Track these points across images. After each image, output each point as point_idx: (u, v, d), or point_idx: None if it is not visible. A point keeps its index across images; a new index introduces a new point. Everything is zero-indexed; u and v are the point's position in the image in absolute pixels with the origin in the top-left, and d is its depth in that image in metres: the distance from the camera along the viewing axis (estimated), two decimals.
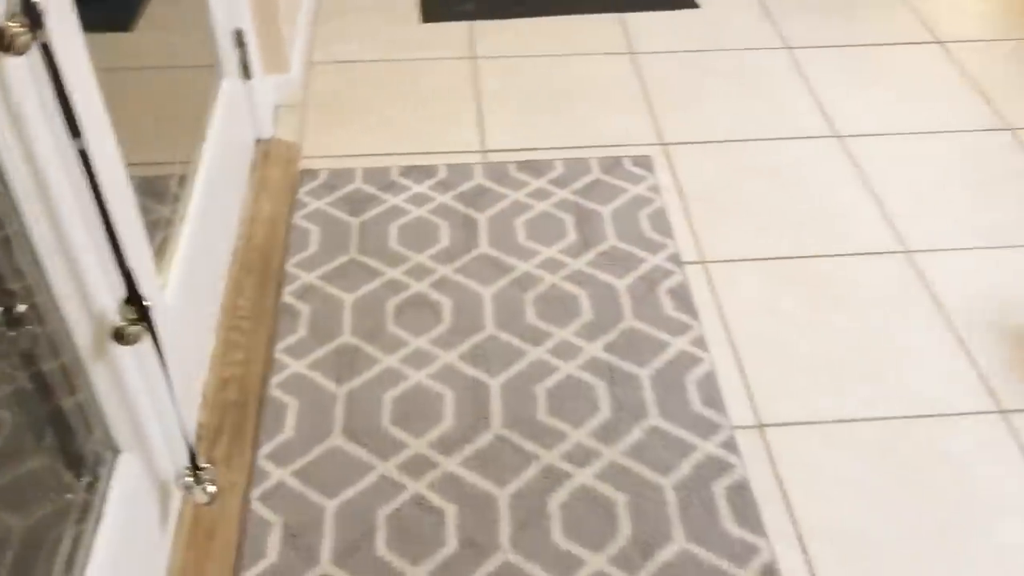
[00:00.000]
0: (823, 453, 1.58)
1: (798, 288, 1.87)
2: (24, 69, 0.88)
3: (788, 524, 1.47)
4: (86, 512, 1.10)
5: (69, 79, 0.95)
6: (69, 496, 1.09)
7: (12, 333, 0.95)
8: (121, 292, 1.06)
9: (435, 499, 1.45)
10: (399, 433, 1.54)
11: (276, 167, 2.01)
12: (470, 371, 1.64)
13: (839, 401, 1.66)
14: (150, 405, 1.16)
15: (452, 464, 1.50)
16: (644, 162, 2.12)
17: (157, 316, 1.15)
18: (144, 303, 1.05)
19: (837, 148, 2.23)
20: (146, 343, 1.13)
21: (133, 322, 1.03)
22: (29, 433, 1.03)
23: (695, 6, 2.70)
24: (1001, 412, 1.65)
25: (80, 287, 0.99)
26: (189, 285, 1.48)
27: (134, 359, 1.11)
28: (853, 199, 2.09)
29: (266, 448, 1.51)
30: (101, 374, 1.05)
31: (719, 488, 1.49)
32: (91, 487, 1.11)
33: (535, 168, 2.08)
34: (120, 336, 1.02)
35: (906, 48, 2.60)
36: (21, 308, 0.98)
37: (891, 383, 1.69)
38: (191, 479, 1.25)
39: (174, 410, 1.21)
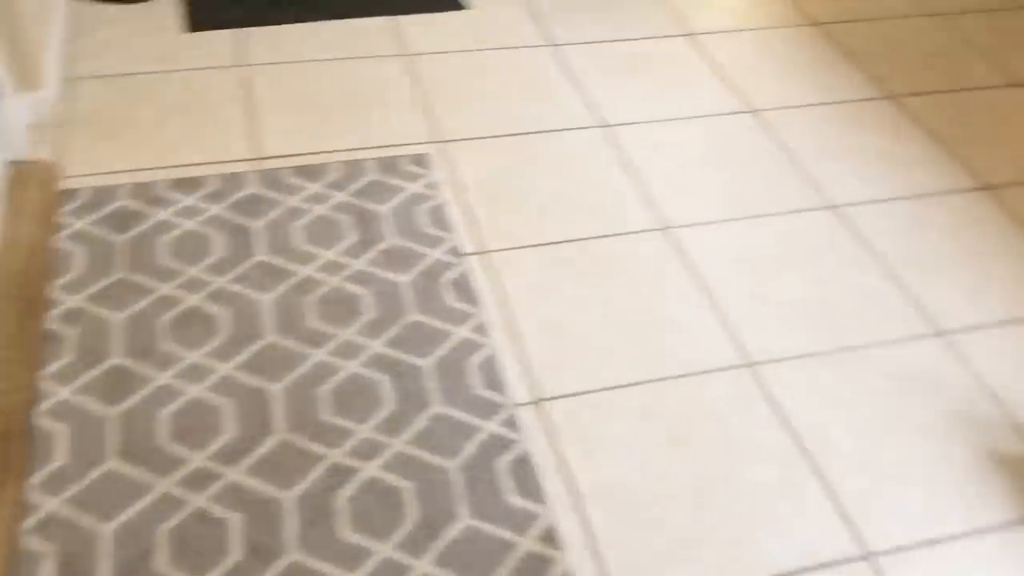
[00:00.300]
0: (598, 420, 1.68)
1: (573, 269, 1.98)
2: None
3: (566, 490, 1.56)
4: None
5: None
6: None
7: None
8: None
9: (218, 510, 1.44)
10: (178, 449, 1.51)
11: (33, 189, 1.91)
12: (250, 380, 1.64)
13: (611, 370, 1.77)
14: None
15: (235, 474, 1.49)
16: (421, 160, 2.18)
17: None
18: None
19: (604, 137, 2.37)
20: None
21: None
22: None
23: (462, 8, 2.78)
24: (749, 365, 1.82)
25: None
26: None
27: None
28: (620, 184, 2.23)
29: (36, 478, 1.44)
30: None
31: (502, 464, 1.56)
32: None
33: (311, 173, 2.09)
34: None
35: (662, 41, 2.79)
36: None
37: (656, 349, 1.82)
38: None
39: None
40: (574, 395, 1.72)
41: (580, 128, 2.39)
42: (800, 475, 1.63)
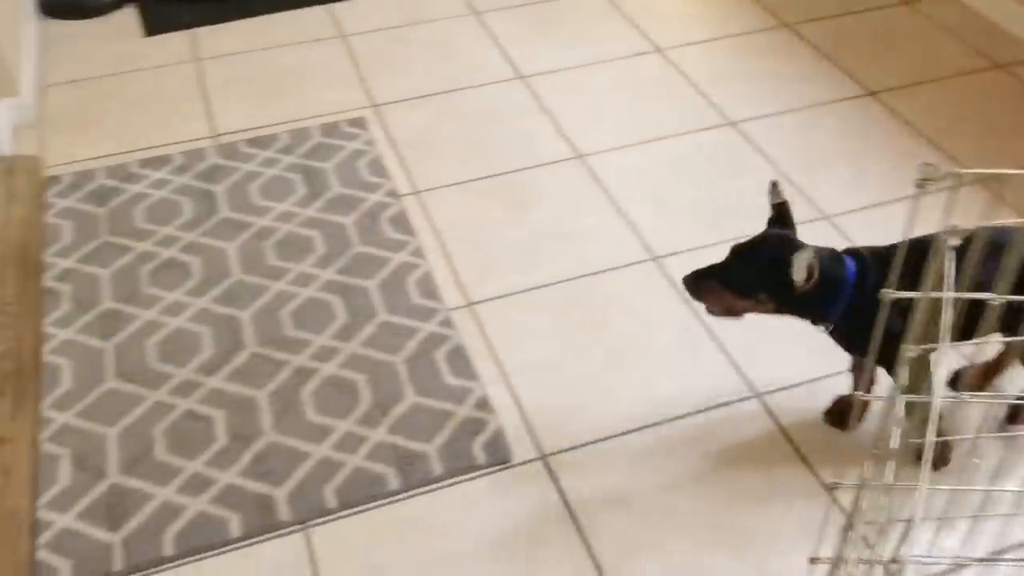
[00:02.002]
0: (520, 315, 1.97)
1: (495, 198, 2.27)
2: None
3: (495, 369, 1.85)
4: None
5: None
6: None
7: None
8: None
9: (204, 410, 1.73)
10: (166, 367, 1.80)
11: (21, 178, 2.20)
12: (223, 310, 1.92)
13: (531, 275, 2.06)
14: None
15: (216, 382, 1.78)
16: (359, 122, 2.46)
17: None
18: None
19: (521, 87, 2.66)
20: None
21: None
22: None
23: None
24: (654, 259, 2.10)
25: None
26: None
27: None
28: (536, 124, 2.51)
29: (48, 400, 1.73)
30: None
31: (440, 355, 1.85)
32: None
33: (263, 142, 2.38)
34: None
35: None
36: None
37: (571, 254, 2.11)
38: None
39: None
40: (500, 297, 2.01)
41: (498, 82, 2.67)
42: (698, 339, 1.92)
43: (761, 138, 2.48)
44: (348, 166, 2.31)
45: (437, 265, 2.07)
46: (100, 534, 1.52)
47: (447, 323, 1.92)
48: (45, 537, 1.52)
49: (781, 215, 1.54)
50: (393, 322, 1.91)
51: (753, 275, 1.49)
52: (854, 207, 2.25)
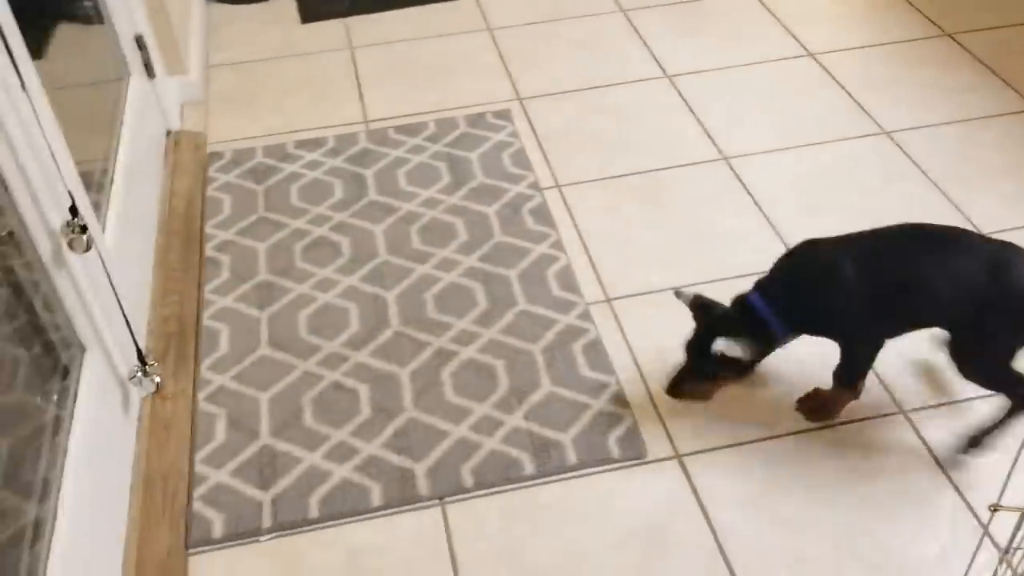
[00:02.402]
0: (659, 313, 1.96)
1: (637, 196, 2.26)
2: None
3: (632, 365, 1.84)
4: (63, 397, 1.41)
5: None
6: (49, 386, 1.40)
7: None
8: (66, 212, 1.38)
9: (349, 382, 1.79)
10: (315, 339, 1.88)
11: (187, 153, 2.33)
12: (369, 289, 1.99)
13: (671, 274, 2.05)
14: (103, 308, 1.48)
15: (361, 356, 1.84)
16: (504, 114, 2.50)
17: (96, 237, 1.46)
18: (83, 223, 1.37)
19: (667, 86, 2.64)
20: (93, 257, 1.45)
21: (81, 230, 1.35)
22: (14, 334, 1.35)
23: None
24: None
25: (37, 208, 1.31)
26: (122, 240, 1.79)
27: (85, 267, 1.43)
28: (681, 123, 2.49)
29: (206, 362, 1.83)
30: (62, 279, 1.37)
31: (577, 347, 1.86)
32: (65, 377, 1.43)
33: (411, 130, 2.44)
34: (70, 245, 1.34)
35: None
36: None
37: (714, 256, 2.09)
38: (140, 373, 1.57)
39: (122, 315, 1.53)
40: (639, 294, 2.01)
41: (645, 80, 2.67)
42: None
43: (916, 149, 2.39)
44: (492, 157, 2.34)
45: (576, 259, 2.08)
46: (251, 491, 1.60)
47: (585, 316, 1.92)
48: (200, 490, 1.61)
49: (703, 308, 1.69)
50: (532, 312, 1.93)
51: (712, 364, 1.64)
52: (1012, 225, 2.15)
